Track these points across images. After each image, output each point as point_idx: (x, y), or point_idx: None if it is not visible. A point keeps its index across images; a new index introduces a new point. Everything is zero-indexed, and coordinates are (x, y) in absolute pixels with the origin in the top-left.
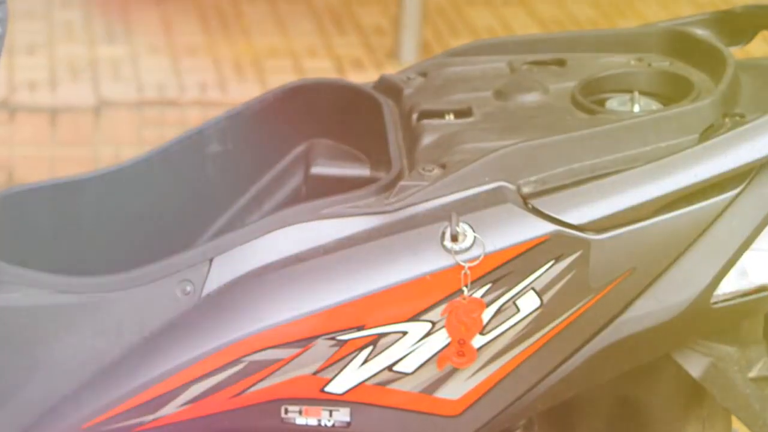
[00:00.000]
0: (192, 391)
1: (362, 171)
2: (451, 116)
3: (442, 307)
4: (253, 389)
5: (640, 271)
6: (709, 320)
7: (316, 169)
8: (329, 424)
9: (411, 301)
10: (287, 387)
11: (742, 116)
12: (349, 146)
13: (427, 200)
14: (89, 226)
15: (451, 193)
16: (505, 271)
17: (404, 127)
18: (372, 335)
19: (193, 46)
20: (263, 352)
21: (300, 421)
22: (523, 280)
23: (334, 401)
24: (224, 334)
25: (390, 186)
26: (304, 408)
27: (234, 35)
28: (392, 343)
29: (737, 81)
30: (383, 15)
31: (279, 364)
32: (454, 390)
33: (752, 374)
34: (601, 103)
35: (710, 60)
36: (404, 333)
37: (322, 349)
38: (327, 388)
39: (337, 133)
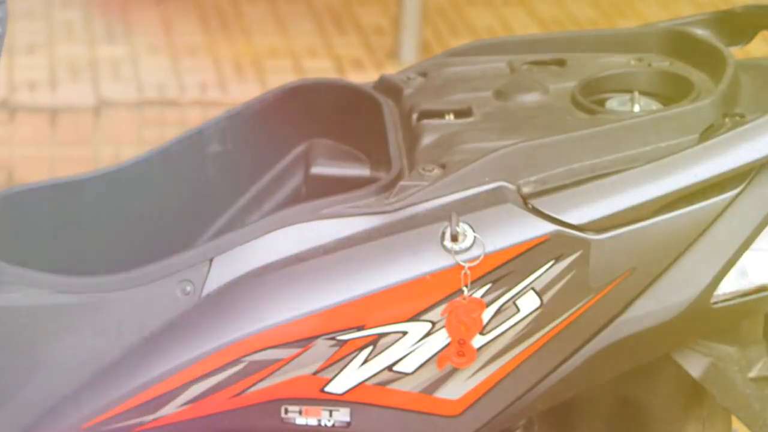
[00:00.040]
0: (192, 391)
1: (362, 171)
2: (451, 116)
3: (442, 307)
4: (253, 389)
5: (640, 271)
6: (709, 320)
7: (316, 169)
8: (329, 424)
9: (411, 301)
10: (287, 387)
11: (742, 116)
12: (349, 146)
13: (427, 200)
14: (89, 226)
15: (451, 193)
16: (505, 271)
17: (404, 127)
18: (372, 335)
19: (193, 46)
20: (263, 352)
21: (300, 421)
22: (523, 280)
23: (334, 401)
24: (224, 334)
25: (390, 186)
26: (304, 408)
27: (234, 35)
28: (392, 343)
29: (737, 81)
30: (383, 15)
31: (279, 364)
32: (454, 390)
33: (752, 374)
34: (601, 103)
35: (710, 60)
36: (404, 333)
37: (322, 349)
38: (327, 388)
39: (337, 133)
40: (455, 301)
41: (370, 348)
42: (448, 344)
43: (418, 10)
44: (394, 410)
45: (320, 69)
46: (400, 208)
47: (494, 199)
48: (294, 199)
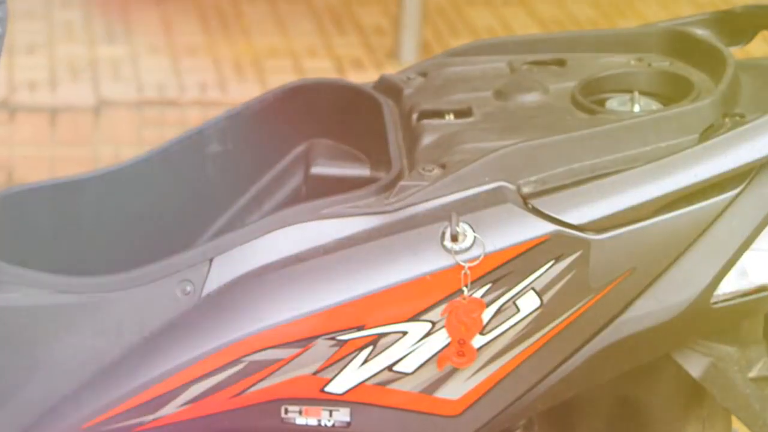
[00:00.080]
0: (192, 391)
1: (362, 171)
2: (451, 116)
3: (442, 307)
4: (253, 389)
5: (640, 271)
6: (709, 320)
7: (316, 169)
8: (329, 424)
9: (411, 301)
10: (287, 387)
11: (742, 116)
12: (349, 146)
13: (427, 200)
14: (89, 226)
15: (451, 193)
16: (505, 271)
17: (404, 127)
18: (372, 335)
19: (193, 46)
20: (263, 352)
21: (300, 421)
22: (523, 280)
23: (334, 401)
24: (224, 334)
25: (390, 186)
26: (304, 408)
27: (234, 35)
28: (392, 343)
29: (737, 81)
30: (383, 15)
31: (279, 364)
32: (454, 390)
33: (752, 374)
34: (601, 103)
35: (710, 60)
36: (404, 333)
37: (322, 349)
38: (327, 388)
39: (337, 133)
40: (455, 301)
41: (370, 348)
42: (448, 344)
43: (418, 10)
44: (394, 410)
45: (320, 69)
46: (400, 208)
47: (494, 199)
48: (294, 199)
